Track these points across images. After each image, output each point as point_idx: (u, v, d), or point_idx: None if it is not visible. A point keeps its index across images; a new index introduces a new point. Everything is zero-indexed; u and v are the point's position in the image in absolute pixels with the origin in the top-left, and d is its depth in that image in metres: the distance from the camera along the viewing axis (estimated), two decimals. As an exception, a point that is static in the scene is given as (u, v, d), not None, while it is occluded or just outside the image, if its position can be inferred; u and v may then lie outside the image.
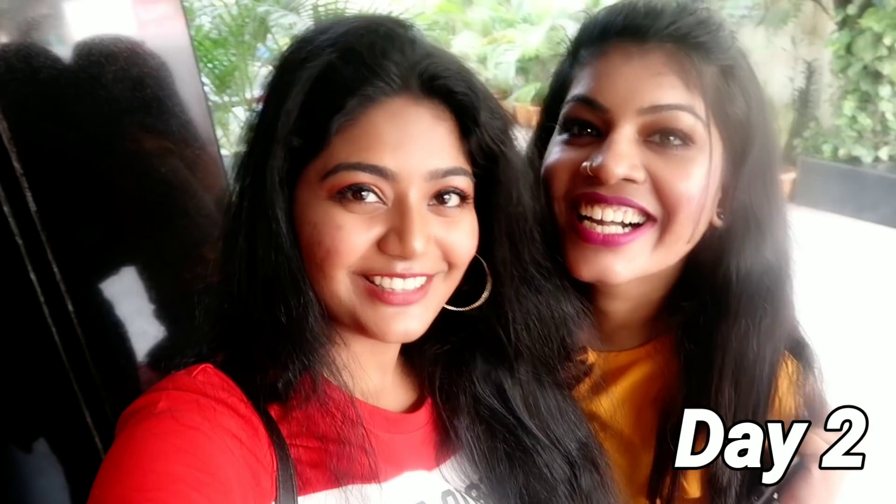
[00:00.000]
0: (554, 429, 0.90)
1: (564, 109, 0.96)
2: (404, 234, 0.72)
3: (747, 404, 0.97)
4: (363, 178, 0.71)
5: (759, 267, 0.96)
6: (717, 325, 0.97)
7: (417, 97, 0.74)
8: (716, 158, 0.92)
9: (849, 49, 5.49)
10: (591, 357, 1.05)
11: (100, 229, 1.21)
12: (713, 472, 0.97)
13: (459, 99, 0.75)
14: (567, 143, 0.96)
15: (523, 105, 8.51)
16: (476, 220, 0.80)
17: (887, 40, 5.24)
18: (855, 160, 6.01)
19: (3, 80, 1.04)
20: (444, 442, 0.88)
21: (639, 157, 0.89)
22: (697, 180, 0.90)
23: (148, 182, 1.23)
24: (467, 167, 0.77)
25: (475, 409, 0.89)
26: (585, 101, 0.93)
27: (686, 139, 0.89)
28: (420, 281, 0.77)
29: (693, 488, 1.00)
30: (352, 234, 0.72)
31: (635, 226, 0.92)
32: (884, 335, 4.00)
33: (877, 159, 5.78)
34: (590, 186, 0.91)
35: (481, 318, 0.87)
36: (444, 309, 0.85)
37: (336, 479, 0.74)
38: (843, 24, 5.73)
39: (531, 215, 0.83)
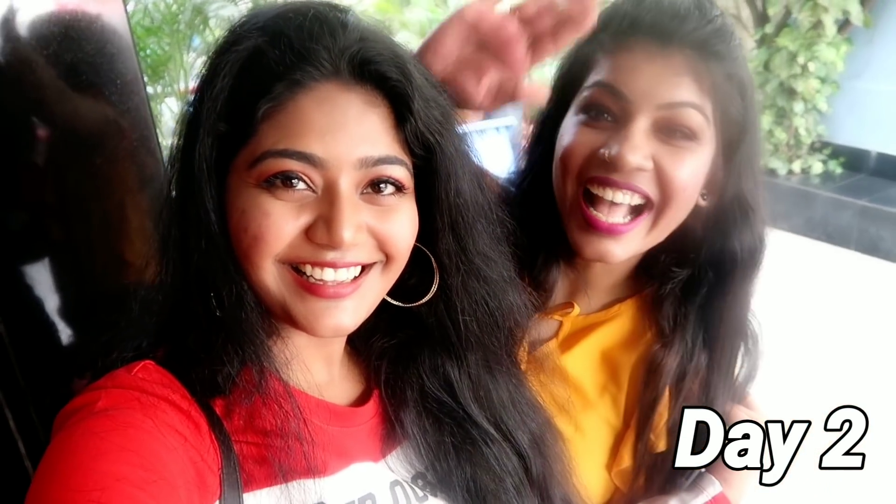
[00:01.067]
0: (506, 420, 0.92)
1: (586, 93, 1.05)
2: (332, 223, 0.70)
3: (727, 364, 1.13)
4: (291, 165, 0.70)
5: (753, 244, 1.11)
6: (715, 294, 1.11)
7: (348, 83, 0.72)
8: (711, 151, 1.04)
9: (766, 66, 5.77)
10: (576, 311, 1.15)
11: (26, 221, 1.15)
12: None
13: (392, 85, 0.73)
14: (585, 124, 1.04)
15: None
16: (415, 209, 0.79)
17: (801, 59, 5.55)
18: (771, 172, 6.33)
19: (-76, 61, 0.98)
20: (391, 433, 0.88)
21: (649, 148, 1.00)
22: (694, 170, 1.02)
23: (81, 173, 1.17)
24: (403, 156, 0.76)
25: (422, 402, 0.89)
26: (609, 88, 1.02)
27: (692, 135, 1.01)
28: (353, 272, 0.75)
29: (662, 443, 1.10)
30: (279, 221, 0.71)
31: (635, 213, 1.04)
32: (792, 339, 4.23)
33: (790, 172, 6.11)
34: (603, 170, 1.01)
35: (429, 312, 0.87)
36: (391, 305, 0.85)
37: (280, 474, 0.73)
38: (762, 42, 6.02)
39: (474, 207, 0.83)
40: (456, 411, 0.89)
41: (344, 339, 0.89)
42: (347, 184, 0.72)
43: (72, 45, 1.12)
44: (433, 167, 0.78)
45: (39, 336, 1.18)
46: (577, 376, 1.12)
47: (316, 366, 0.84)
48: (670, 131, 1.01)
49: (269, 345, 0.77)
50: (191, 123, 0.74)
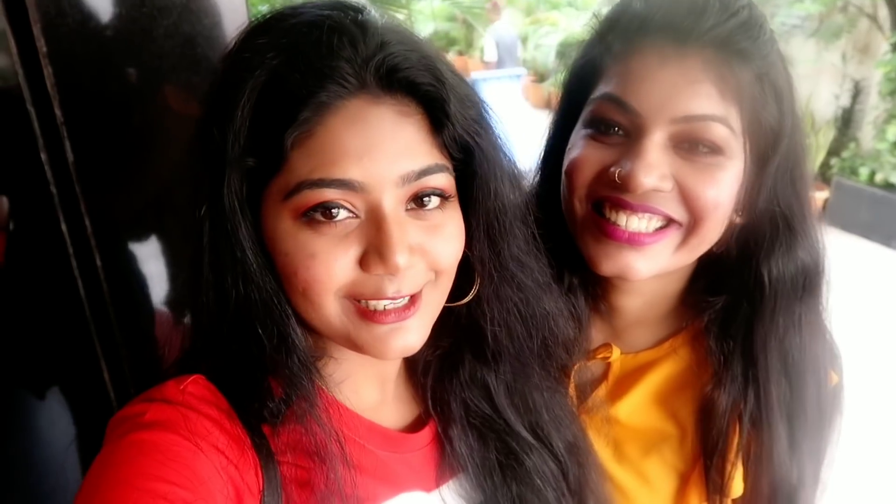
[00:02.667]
0: (542, 425, 0.87)
1: (592, 105, 0.93)
2: (384, 250, 0.66)
3: (804, 403, 0.97)
4: (330, 195, 0.65)
5: (793, 266, 0.96)
6: (753, 325, 0.97)
7: (377, 95, 0.67)
8: (742, 163, 0.90)
9: (902, 72, 5.32)
10: (615, 353, 1.03)
11: (135, 186, 1.19)
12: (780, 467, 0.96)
13: (425, 91, 0.68)
14: (592, 138, 0.93)
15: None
16: (461, 218, 0.75)
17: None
18: (891, 187, 5.88)
19: (52, 24, 1.01)
20: (446, 462, 0.85)
21: (668, 166, 0.87)
22: (726, 187, 0.89)
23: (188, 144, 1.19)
24: (445, 162, 0.71)
25: (466, 417, 0.86)
26: (616, 102, 0.89)
27: (717, 149, 0.88)
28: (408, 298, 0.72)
29: (737, 488, 0.99)
30: (327, 260, 0.67)
31: (662, 225, 0.91)
32: (900, 367, 3.94)
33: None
34: (615, 191, 0.90)
35: (466, 315, 0.83)
36: None
37: (322, 500, 0.71)
38: (898, 46, 5.56)
39: (511, 209, 0.77)
40: (496, 422, 0.86)
41: (400, 359, 0.85)
42: (392, 203, 0.67)
43: (191, 17, 1.13)
44: (472, 169, 0.73)
45: (138, 299, 1.22)
46: (634, 423, 1.02)
47: (369, 386, 0.82)
48: (692, 145, 0.88)
49: (319, 366, 0.75)
50: (212, 159, 0.67)
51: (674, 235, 0.92)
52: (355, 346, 0.72)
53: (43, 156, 1.06)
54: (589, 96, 0.94)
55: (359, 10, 0.70)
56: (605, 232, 0.92)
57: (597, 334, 1.06)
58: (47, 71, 1.02)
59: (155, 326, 1.28)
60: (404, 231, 0.68)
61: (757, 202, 0.93)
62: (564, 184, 0.96)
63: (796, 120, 0.93)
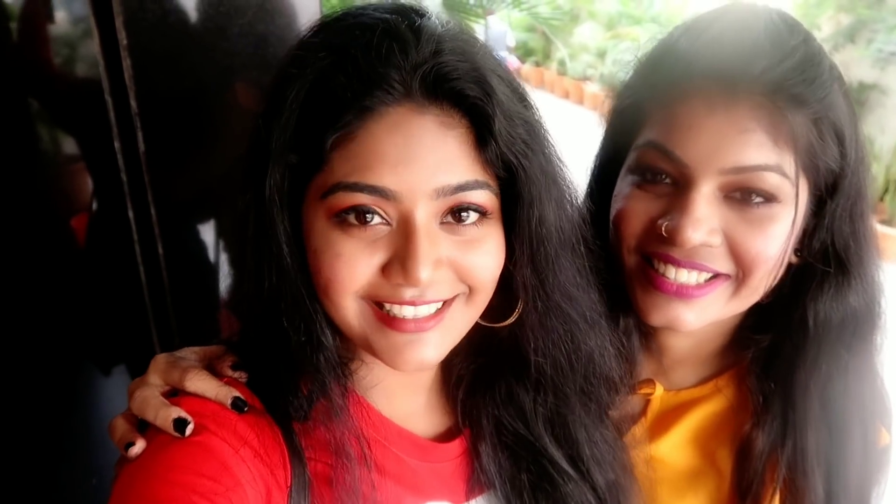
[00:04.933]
0: (584, 459, 0.84)
1: (638, 152, 0.88)
2: (407, 262, 0.64)
3: (844, 456, 0.92)
4: (363, 199, 0.64)
5: (842, 310, 0.90)
6: (794, 368, 0.92)
7: (421, 104, 0.64)
8: (800, 206, 0.84)
9: None
10: (658, 390, 0.99)
11: (200, 179, 1.22)
12: None
13: (471, 104, 0.65)
14: (639, 187, 0.88)
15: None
16: (501, 236, 0.71)
17: None
18: None
19: (133, 19, 1.05)
20: (477, 476, 0.82)
21: (717, 219, 0.83)
22: (778, 239, 0.84)
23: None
24: (487, 178, 0.68)
25: (497, 434, 0.83)
26: (662, 151, 0.84)
27: (770, 198, 0.82)
28: (435, 307, 0.69)
29: None
30: (351, 261, 0.66)
31: (710, 278, 0.86)
32: None
33: None
34: (662, 245, 0.85)
35: (508, 337, 0.79)
36: (476, 323, 0.78)
37: (347, 499, 0.69)
38: None
39: (559, 238, 0.73)
40: (532, 445, 0.82)
41: (434, 368, 0.83)
42: (424, 215, 0.65)
43: (265, 17, 1.15)
44: (516, 191, 0.69)
45: (196, 289, 1.25)
46: (671, 462, 0.97)
47: (400, 394, 0.80)
48: (743, 195, 0.82)
49: (352, 369, 0.74)
50: (258, 152, 0.68)
51: (723, 287, 0.87)
52: (372, 351, 0.71)
53: (116, 144, 1.10)
54: (633, 140, 0.90)
55: (421, 14, 0.68)
56: (654, 283, 0.88)
57: (640, 369, 1.01)
58: (126, 63, 1.06)
59: (222, 323, 1.31)
60: (434, 245, 0.66)
61: (812, 243, 0.88)
62: (612, 234, 0.92)
63: (859, 156, 0.86)
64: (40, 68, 1.06)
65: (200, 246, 1.25)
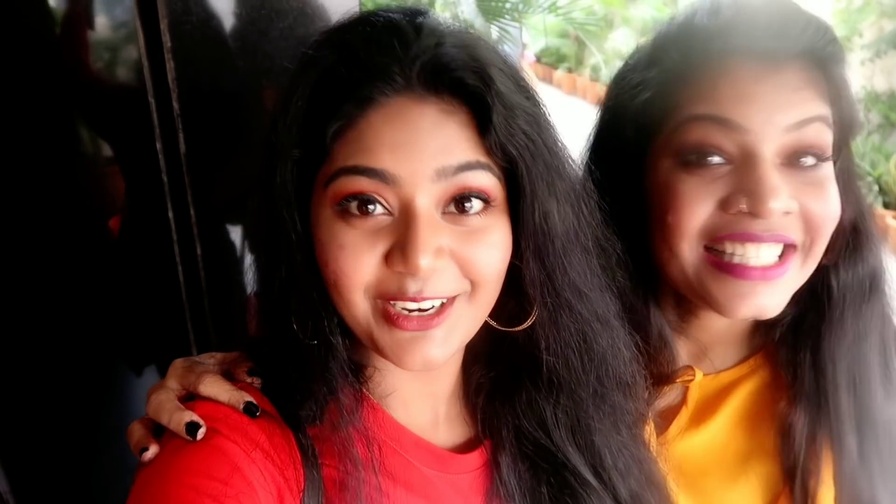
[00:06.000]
0: (606, 468, 0.81)
1: (680, 132, 0.86)
2: (407, 248, 0.63)
3: (873, 415, 0.92)
4: (363, 184, 0.64)
5: (861, 270, 0.92)
6: (821, 332, 0.94)
7: (421, 95, 0.65)
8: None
9: None
10: (698, 376, 0.98)
11: (239, 181, 1.23)
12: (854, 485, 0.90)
13: (470, 92, 0.65)
14: (690, 172, 0.85)
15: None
16: (507, 228, 0.70)
17: None
18: None
19: (178, 21, 1.06)
20: (494, 489, 0.80)
21: (787, 185, 0.82)
22: (836, 198, 0.85)
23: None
24: (489, 161, 0.67)
25: (518, 444, 0.81)
26: (717, 121, 0.83)
27: (819, 156, 0.83)
28: (436, 303, 0.68)
29: None
30: (354, 252, 0.65)
31: (781, 254, 0.86)
32: None
33: None
34: (737, 224, 0.83)
35: (522, 343, 0.78)
36: (492, 328, 0.77)
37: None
38: None
39: (567, 234, 0.72)
40: (553, 455, 0.80)
41: (452, 377, 0.82)
42: (425, 202, 0.65)
43: (305, 20, 1.16)
44: (518, 183, 0.69)
45: (233, 291, 1.26)
46: (720, 449, 0.96)
47: (418, 402, 0.79)
48: (798, 158, 0.83)
49: (367, 375, 0.74)
50: (268, 149, 0.70)
51: (796, 259, 0.86)
52: (378, 349, 0.70)
53: (158, 145, 1.11)
54: (663, 126, 0.88)
55: (425, 14, 0.69)
56: (733, 272, 0.85)
57: (677, 356, 0.99)
58: (170, 65, 1.07)
59: (248, 313, 1.32)
60: (434, 232, 0.65)
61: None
62: (666, 233, 0.88)
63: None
64: (83, 72, 1.08)
65: (238, 247, 1.25)
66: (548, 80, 12.09)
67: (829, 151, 0.85)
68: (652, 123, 0.90)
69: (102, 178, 1.17)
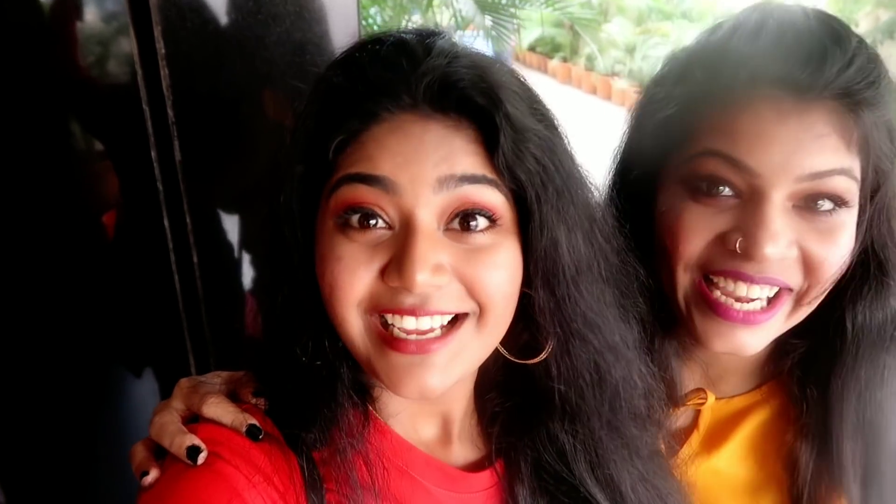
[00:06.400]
0: (625, 498, 0.80)
1: (692, 163, 0.83)
2: (404, 262, 0.61)
3: (880, 466, 0.89)
4: (364, 193, 0.63)
5: (881, 314, 0.88)
6: (832, 373, 0.90)
7: (427, 113, 0.63)
8: (857, 210, 0.82)
9: None
10: (710, 399, 0.96)
11: (236, 189, 1.21)
12: None
13: (477, 110, 0.63)
14: (696, 201, 0.83)
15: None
16: (516, 250, 0.67)
17: None
18: None
19: (172, 28, 1.04)
20: None
21: (791, 231, 0.79)
22: (845, 246, 0.82)
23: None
24: (496, 179, 0.64)
25: (537, 478, 0.79)
26: (728, 160, 0.80)
27: (839, 203, 0.80)
28: (439, 321, 0.65)
29: None
30: (351, 265, 0.63)
31: (772, 297, 0.84)
32: None
33: None
34: (731, 261, 0.81)
35: (539, 375, 0.76)
36: (505, 358, 0.75)
37: None
38: None
39: (576, 261, 0.69)
40: (575, 489, 0.78)
41: (463, 401, 0.79)
42: (426, 215, 0.63)
43: (303, 24, 1.14)
44: (528, 207, 0.66)
45: (230, 300, 1.24)
46: (731, 475, 0.94)
47: (428, 422, 0.77)
48: (812, 203, 0.79)
49: (373, 395, 0.73)
50: (279, 167, 0.70)
51: (786, 304, 0.84)
52: (375, 374, 0.68)
53: (153, 153, 1.10)
54: (681, 151, 0.85)
55: (439, 34, 0.68)
56: (716, 311, 0.84)
57: (688, 380, 0.98)
58: (164, 72, 1.05)
59: (246, 315, 1.31)
60: (433, 248, 0.63)
61: (854, 244, 0.84)
62: (665, 255, 0.87)
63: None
64: (75, 71, 1.06)
65: (235, 256, 1.24)
66: (543, 69, 12.05)
67: (852, 200, 0.80)
68: (670, 144, 0.87)
69: (95, 176, 1.15)
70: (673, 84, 0.89)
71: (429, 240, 0.62)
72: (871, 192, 0.83)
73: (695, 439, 0.97)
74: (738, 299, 0.83)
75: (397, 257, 0.62)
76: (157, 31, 1.03)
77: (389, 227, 0.64)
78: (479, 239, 0.65)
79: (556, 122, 0.70)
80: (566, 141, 0.71)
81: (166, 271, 1.19)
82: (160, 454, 0.67)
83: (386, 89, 0.63)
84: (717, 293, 0.83)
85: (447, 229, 0.64)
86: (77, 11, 1.05)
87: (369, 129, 0.63)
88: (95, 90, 1.09)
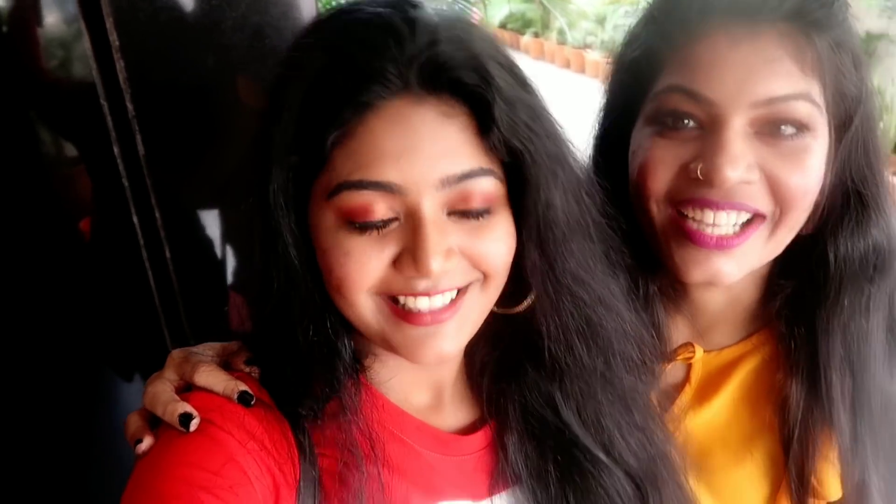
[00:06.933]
0: (616, 444, 0.82)
1: (656, 101, 0.85)
2: (418, 253, 0.64)
3: (867, 396, 0.90)
4: (368, 197, 0.64)
5: (863, 244, 0.89)
6: (817, 308, 0.91)
7: (419, 96, 0.64)
8: (827, 137, 0.83)
9: None
10: (698, 353, 0.97)
11: (204, 179, 1.19)
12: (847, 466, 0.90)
13: (470, 91, 0.65)
14: (661, 135, 0.85)
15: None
16: (510, 222, 0.71)
17: None
18: None
19: (124, 19, 1.01)
20: (502, 471, 0.80)
21: (752, 154, 0.80)
22: (815, 171, 0.83)
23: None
24: (492, 165, 0.68)
25: (524, 423, 0.81)
26: (687, 93, 0.81)
27: (802, 128, 0.81)
28: (449, 296, 0.69)
29: (833, 490, 0.92)
30: (362, 258, 0.66)
31: (747, 222, 0.84)
32: None
33: None
34: (696, 189, 0.83)
35: (521, 325, 0.79)
36: (492, 311, 0.77)
37: (356, 497, 0.69)
38: None
39: (569, 222, 0.72)
40: (561, 433, 0.80)
41: (456, 362, 0.82)
42: (431, 207, 0.65)
43: (259, 7, 1.12)
44: (522, 176, 0.69)
45: (207, 292, 1.23)
46: (724, 427, 0.95)
47: (418, 387, 0.79)
48: (774, 128, 0.80)
49: (365, 364, 0.74)
50: (260, 155, 0.68)
51: (761, 230, 0.85)
52: (390, 347, 0.71)
53: (115, 149, 1.07)
54: (649, 90, 0.87)
55: (415, 5, 0.67)
56: (691, 238, 0.85)
57: (676, 334, 0.99)
58: (119, 65, 1.03)
59: (230, 309, 1.29)
60: (443, 235, 0.65)
61: (831, 176, 0.86)
62: (635, 192, 0.89)
63: (870, 87, 0.86)
64: (34, 71, 1.04)
65: (208, 247, 1.22)
66: (515, 46, 11.99)
67: (814, 125, 0.81)
68: (640, 85, 0.89)
69: (68, 180, 1.14)
70: (639, 27, 0.91)
71: (437, 227, 0.65)
72: (844, 119, 0.84)
73: (687, 394, 0.98)
74: (710, 226, 0.84)
75: (410, 248, 0.65)
76: (109, 23, 1.00)
77: (395, 218, 0.65)
78: (479, 219, 0.68)
79: (533, 85, 0.72)
80: (545, 103, 0.72)
81: (140, 269, 1.17)
82: (155, 424, 0.68)
83: (377, 76, 0.63)
84: (692, 223, 0.85)
85: (450, 214, 0.67)
86: (36, 15, 1.02)
87: (364, 119, 0.64)
88: (60, 92, 1.07)
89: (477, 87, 0.64)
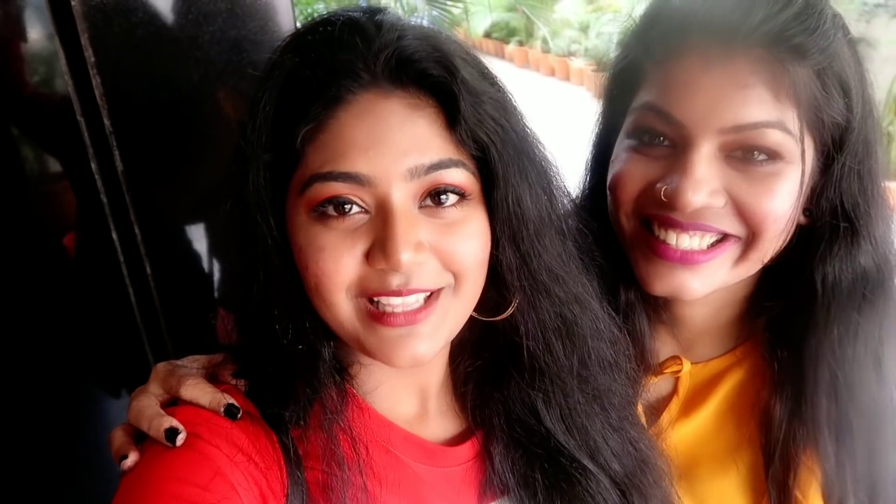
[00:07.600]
0: (602, 450, 0.82)
1: (633, 116, 0.86)
2: (387, 245, 0.64)
3: (853, 424, 0.89)
4: (338, 188, 0.65)
5: (851, 272, 0.87)
6: (805, 333, 0.90)
7: (387, 89, 0.66)
8: (807, 163, 0.81)
9: None
10: (686, 366, 0.97)
11: (183, 194, 1.18)
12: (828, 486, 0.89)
13: (435, 82, 0.66)
14: (636, 150, 0.86)
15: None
16: (483, 219, 0.71)
17: None
18: None
19: (100, 34, 1.01)
20: (488, 481, 0.80)
21: (719, 179, 0.80)
22: (785, 197, 0.81)
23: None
24: (462, 157, 0.68)
25: (509, 431, 0.81)
26: (658, 112, 0.82)
27: (773, 155, 0.79)
28: (423, 297, 0.69)
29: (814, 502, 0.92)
30: (334, 254, 0.66)
31: (717, 240, 0.84)
32: None
33: None
34: (662, 209, 0.83)
35: (505, 331, 0.79)
36: (474, 319, 0.77)
37: None
38: None
39: (540, 217, 0.73)
40: (545, 440, 0.80)
41: (439, 370, 0.82)
42: (401, 198, 0.66)
43: (236, 21, 1.12)
44: (491, 169, 0.70)
45: (188, 308, 1.22)
46: (710, 438, 0.95)
47: (407, 396, 0.79)
48: (745, 153, 0.80)
49: (351, 373, 0.74)
50: (240, 158, 0.69)
51: (731, 250, 0.85)
52: (365, 349, 0.70)
53: (93, 165, 1.07)
54: (630, 104, 0.87)
55: (382, 10, 0.70)
56: (656, 251, 0.85)
57: (662, 347, 0.99)
58: (95, 81, 1.02)
59: (218, 324, 1.28)
60: (412, 227, 0.66)
61: (820, 200, 0.86)
62: (610, 199, 0.90)
63: (867, 110, 0.84)
64: (15, 91, 1.03)
65: (189, 262, 1.21)
66: (500, 55, 12.04)
67: (787, 154, 0.79)
68: (623, 98, 0.89)
69: (51, 196, 1.13)
70: (627, 39, 0.91)
71: (407, 220, 0.65)
72: (829, 146, 0.83)
73: (675, 405, 0.98)
74: (674, 244, 0.84)
75: (380, 240, 0.65)
76: (84, 39, 1.00)
77: (365, 211, 0.66)
78: (451, 213, 0.68)
79: (502, 83, 0.73)
80: (515, 101, 0.73)
81: (120, 285, 1.16)
82: (140, 438, 0.67)
83: (345, 70, 0.65)
84: (659, 236, 0.85)
85: (421, 206, 0.67)
86: (18, 31, 1.01)
87: (334, 113, 0.65)
88: (39, 108, 1.06)
89: (442, 78, 0.66)
